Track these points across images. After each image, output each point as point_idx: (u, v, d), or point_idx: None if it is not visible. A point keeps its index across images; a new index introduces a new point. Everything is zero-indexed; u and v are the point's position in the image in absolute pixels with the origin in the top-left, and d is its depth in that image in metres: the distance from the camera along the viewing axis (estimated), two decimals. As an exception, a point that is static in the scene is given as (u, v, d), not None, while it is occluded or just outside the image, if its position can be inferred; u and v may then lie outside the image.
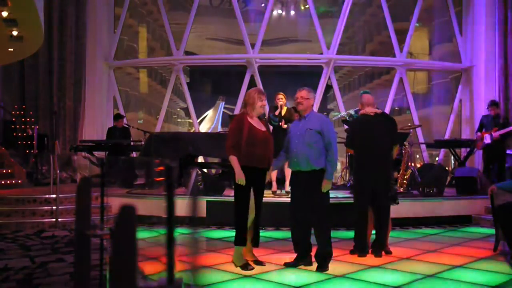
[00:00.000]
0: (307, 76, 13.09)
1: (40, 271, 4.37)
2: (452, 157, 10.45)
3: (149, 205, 6.88)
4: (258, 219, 4.65)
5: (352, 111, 6.69)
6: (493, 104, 8.74)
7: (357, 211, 5.21)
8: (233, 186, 4.68)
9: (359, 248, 5.15)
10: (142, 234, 6.04)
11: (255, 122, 4.60)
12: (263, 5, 11.94)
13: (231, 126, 4.65)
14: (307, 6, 11.21)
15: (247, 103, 4.66)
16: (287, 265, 4.70)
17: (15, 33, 7.41)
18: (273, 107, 8.16)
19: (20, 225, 6.64)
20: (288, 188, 8.11)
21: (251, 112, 4.61)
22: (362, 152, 5.22)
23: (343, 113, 7.42)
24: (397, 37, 11.00)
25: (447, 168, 10.11)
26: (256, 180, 4.53)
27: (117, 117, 9.91)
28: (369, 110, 5.24)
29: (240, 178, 4.40)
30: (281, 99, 8.01)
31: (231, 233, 6.40)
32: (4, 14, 6.80)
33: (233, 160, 4.44)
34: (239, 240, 4.52)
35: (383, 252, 5.16)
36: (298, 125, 4.75)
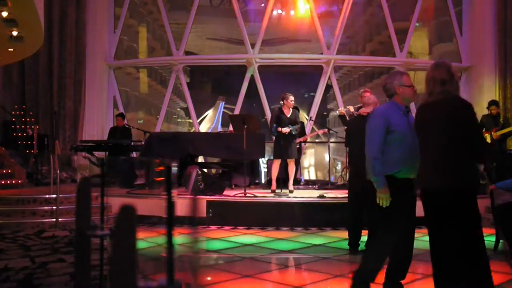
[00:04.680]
0: (307, 76, 13.10)
1: (40, 271, 4.37)
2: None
3: (149, 205, 6.87)
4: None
5: (352, 108, 6.64)
6: (493, 104, 8.72)
7: (349, 211, 5.31)
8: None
9: (351, 244, 5.28)
10: (142, 234, 6.04)
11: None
12: (263, 5, 11.92)
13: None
14: (307, 6, 11.20)
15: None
16: None
17: (15, 33, 7.41)
18: (279, 109, 7.97)
19: (20, 225, 6.63)
20: (292, 187, 8.08)
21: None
22: (354, 152, 5.22)
23: (342, 108, 7.38)
24: (397, 37, 11.00)
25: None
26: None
27: (118, 115, 9.93)
28: (363, 111, 5.24)
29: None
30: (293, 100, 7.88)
31: (230, 233, 6.41)
32: (4, 14, 6.79)
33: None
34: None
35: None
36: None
